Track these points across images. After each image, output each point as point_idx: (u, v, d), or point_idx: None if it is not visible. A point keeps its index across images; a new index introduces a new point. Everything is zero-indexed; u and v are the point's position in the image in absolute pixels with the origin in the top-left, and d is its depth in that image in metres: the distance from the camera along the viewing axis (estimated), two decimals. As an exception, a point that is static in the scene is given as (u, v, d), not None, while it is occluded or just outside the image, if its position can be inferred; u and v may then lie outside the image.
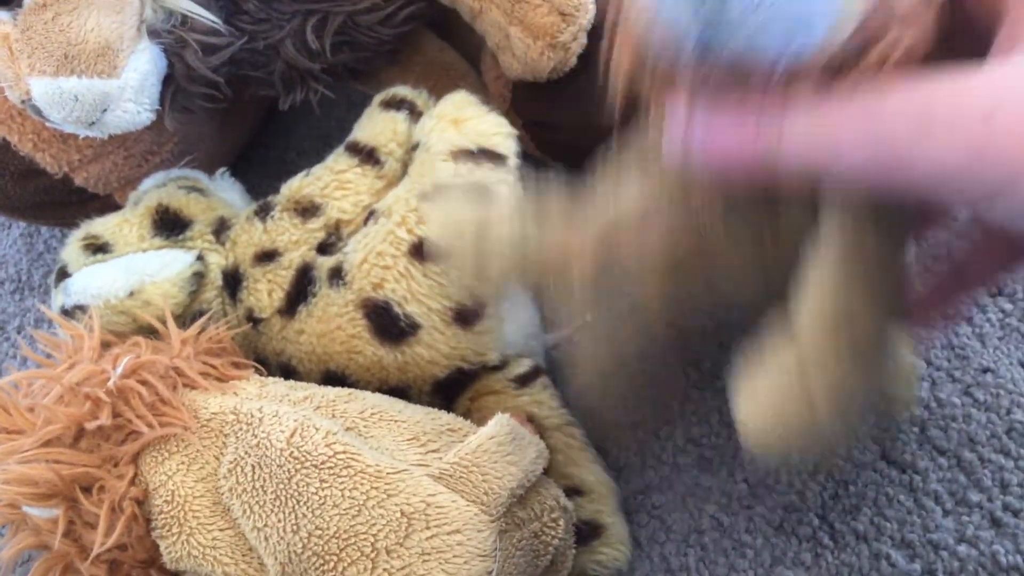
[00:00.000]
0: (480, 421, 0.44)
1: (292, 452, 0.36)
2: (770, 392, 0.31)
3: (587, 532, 0.42)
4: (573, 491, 0.43)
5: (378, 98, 0.52)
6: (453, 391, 0.46)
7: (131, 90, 0.45)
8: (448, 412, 0.43)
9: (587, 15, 0.51)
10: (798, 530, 0.43)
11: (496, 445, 0.36)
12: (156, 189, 0.51)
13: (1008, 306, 0.48)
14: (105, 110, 0.45)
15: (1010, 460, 0.43)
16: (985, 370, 0.46)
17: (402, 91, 0.52)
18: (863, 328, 0.30)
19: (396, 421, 0.39)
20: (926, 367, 0.47)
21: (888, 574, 0.41)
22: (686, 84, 0.27)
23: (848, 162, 0.25)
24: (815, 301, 0.30)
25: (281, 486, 0.36)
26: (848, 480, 0.44)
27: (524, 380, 0.45)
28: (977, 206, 0.26)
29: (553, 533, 0.38)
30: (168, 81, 0.48)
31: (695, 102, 0.27)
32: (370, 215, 0.47)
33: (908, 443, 0.45)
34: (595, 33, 0.52)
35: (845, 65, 0.25)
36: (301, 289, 0.46)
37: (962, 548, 0.42)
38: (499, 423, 0.37)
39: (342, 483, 0.35)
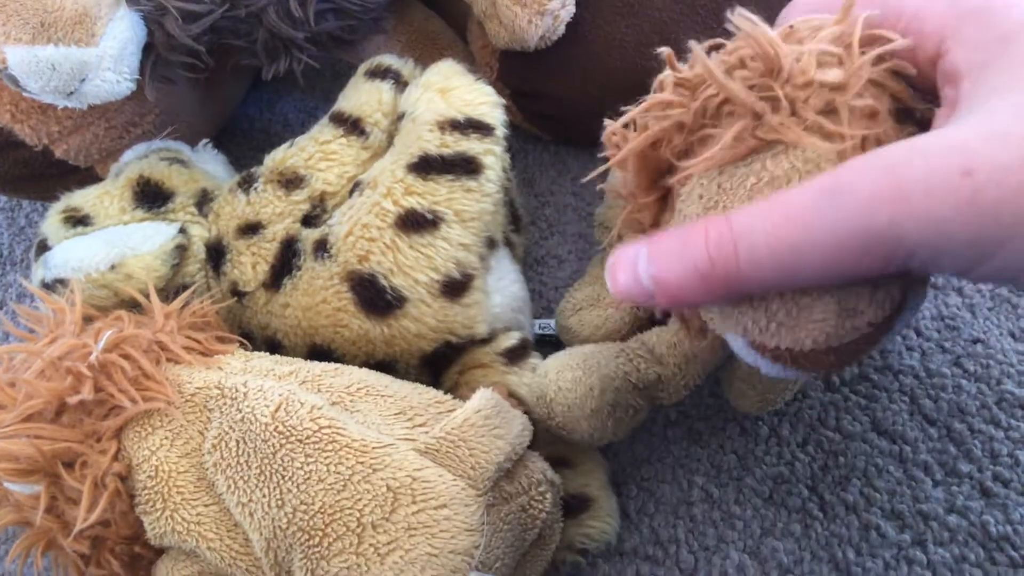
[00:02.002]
0: (468, 395, 0.43)
1: (277, 427, 0.36)
2: None
3: (575, 505, 0.42)
4: (562, 464, 0.42)
5: (363, 67, 0.51)
6: (441, 365, 0.45)
7: (110, 59, 0.44)
8: (436, 386, 0.42)
9: (576, -18, 0.50)
10: (788, 501, 0.43)
11: (483, 419, 0.36)
12: (137, 161, 0.50)
13: (999, 276, 0.48)
14: (83, 79, 0.44)
15: (1000, 430, 0.43)
16: (975, 341, 0.46)
17: (387, 60, 0.51)
18: None
19: (382, 396, 0.39)
20: (916, 337, 0.47)
21: (878, 544, 0.41)
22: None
23: (822, 252, 0.24)
24: None
25: (266, 461, 0.35)
26: (838, 451, 0.44)
27: (513, 353, 0.45)
28: (970, 270, 0.24)
29: (540, 507, 0.37)
30: (148, 50, 0.47)
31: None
32: (355, 187, 0.46)
33: (898, 414, 0.44)
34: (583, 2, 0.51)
35: None
36: (286, 262, 0.45)
37: (952, 518, 0.42)
38: (484, 397, 0.37)
39: (327, 458, 0.35)
